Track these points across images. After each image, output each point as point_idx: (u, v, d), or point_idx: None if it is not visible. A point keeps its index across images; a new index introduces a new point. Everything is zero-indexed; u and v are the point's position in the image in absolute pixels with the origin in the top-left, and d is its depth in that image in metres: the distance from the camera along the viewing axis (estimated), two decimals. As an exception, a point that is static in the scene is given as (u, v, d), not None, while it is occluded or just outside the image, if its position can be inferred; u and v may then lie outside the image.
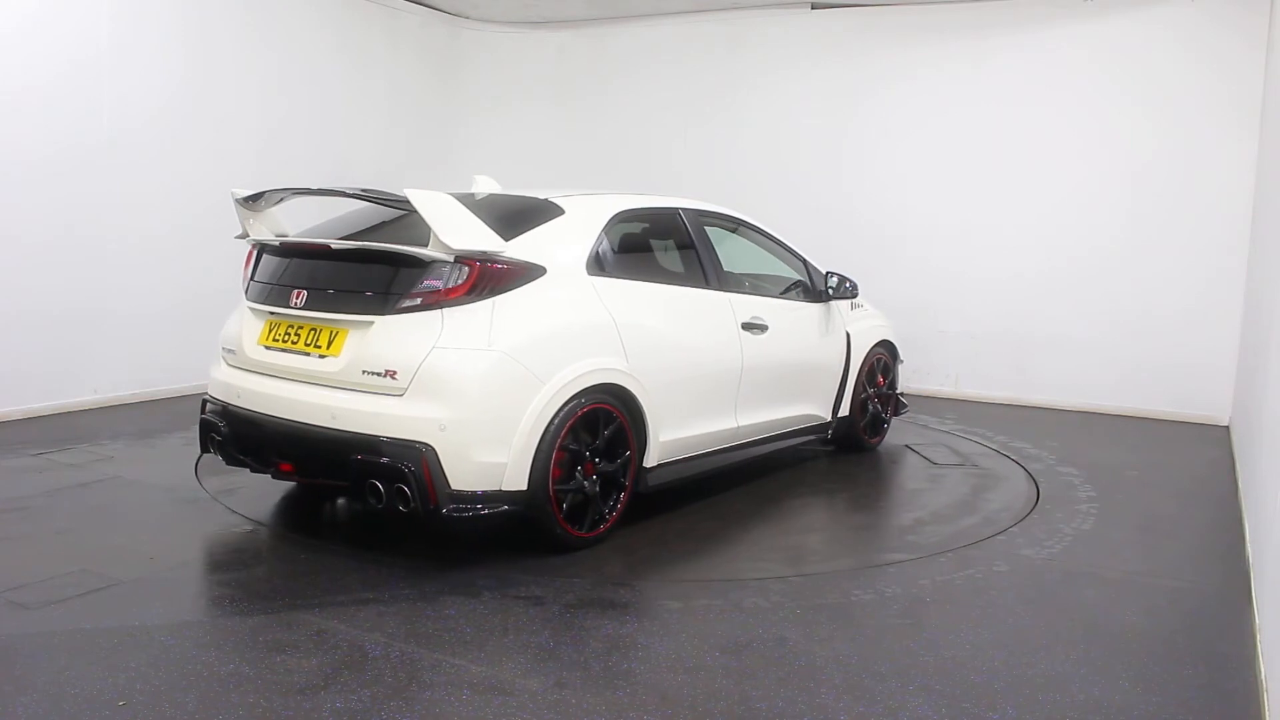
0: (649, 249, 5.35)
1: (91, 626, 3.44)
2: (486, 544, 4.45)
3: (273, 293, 4.45)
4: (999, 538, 4.80)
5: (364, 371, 4.04)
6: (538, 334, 4.18)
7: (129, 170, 7.11)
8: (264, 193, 4.67)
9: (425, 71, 9.84)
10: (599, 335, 4.40)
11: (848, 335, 6.16)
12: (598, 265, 4.58)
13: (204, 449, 4.71)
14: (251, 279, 4.67)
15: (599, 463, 4.39)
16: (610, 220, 4.78)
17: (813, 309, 5.92)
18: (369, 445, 3.97)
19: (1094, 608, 3.95)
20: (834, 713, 3.00)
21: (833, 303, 6.04)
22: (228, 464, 4.64)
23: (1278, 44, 6.73)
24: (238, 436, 4.47)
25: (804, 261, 5.96)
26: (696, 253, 5.24)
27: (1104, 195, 8.16)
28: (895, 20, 8.78)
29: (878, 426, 6.59)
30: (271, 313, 4.43)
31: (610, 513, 4.50)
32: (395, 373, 3.97)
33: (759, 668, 3.29)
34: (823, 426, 6.07)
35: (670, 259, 5.36)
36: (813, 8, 9.08)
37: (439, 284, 4.05)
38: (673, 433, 4.80)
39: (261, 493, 5.13)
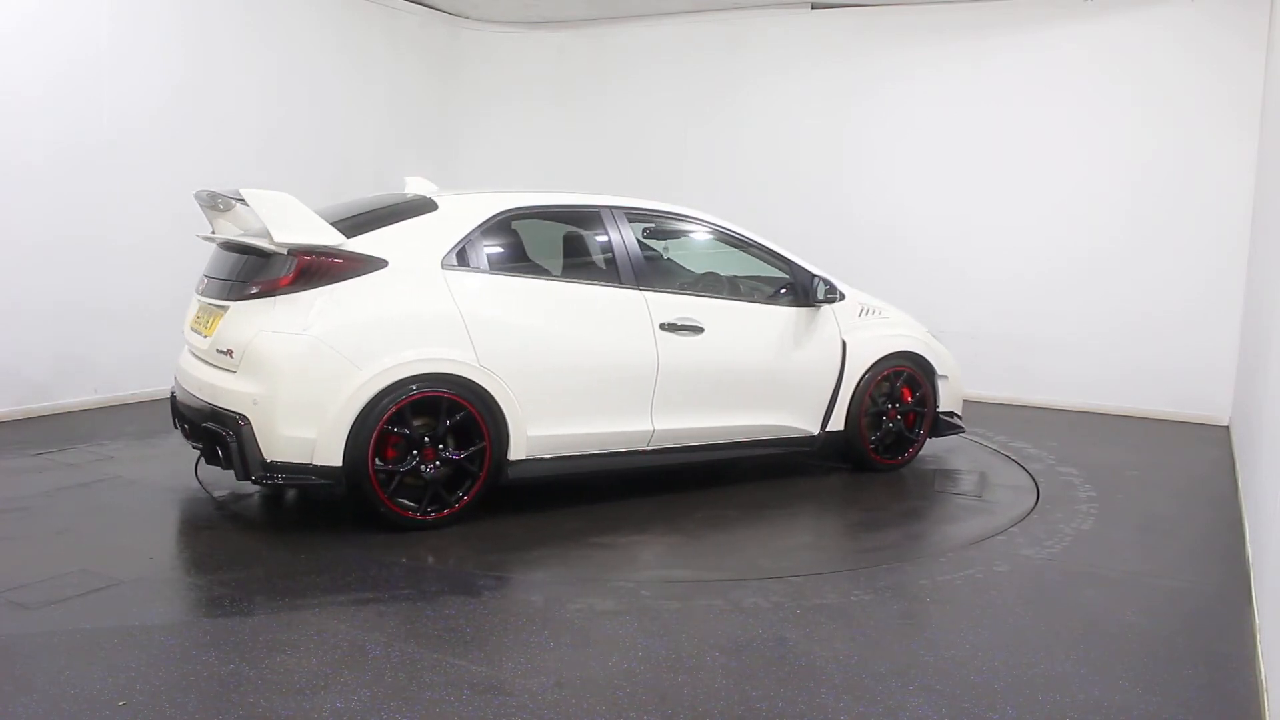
0: (544, 246, 5.36)
1: (91, 626, 3.44)
2: (485, 545, 4.46)
3: (198, 281, 5.03)
4: (999, 538, 4.80)
5: (217, 350, 4.54)
6: (357, 322, 4.42)
7: (129, 170, 7.11)
8: (201, 193, 5.04)
9: (425, 72, 9.84)
10: (440, 327, 4.55)
11: (844, 344, 5.74)
12: (461, 260, 4.73)
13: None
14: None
15: (442, 449, 4.53)
16: (491, 217, 4.88)
17: (785, 313, 5.58)
18: (210, 414, 4.51)
19: (1094, 608, 3.95)
20: (834, 713, 3.00)
21: (824, 308, 5.67)
22: (175, 427, 5.09)
23: (1278, 44, 6.73)
24: (173, 407, 5.03)
25: (789, 264, 5.64)
26: (613, 251, 5.17)
27: (1104, 195, 8.15)
28: (895, 20, 8.78)
29: (900, 446, 6.01)
30: (196, 299, 4.97)
31: (457, 500, 4.61)
32: (232, 351, 4.44)
33: (759, 668, 3.29)
34: (804, 440, 5.67)
35: (575, 257, 5.40)
36: (813, 8, 9.08)
37: (274, 275, 4.44)
38: (549, 429, 4.82)
39: (262, 493, 5.14)
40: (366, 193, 5.68)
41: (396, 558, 4.22)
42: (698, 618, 3.70)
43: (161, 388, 7.33)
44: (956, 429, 6.27)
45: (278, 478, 4.35)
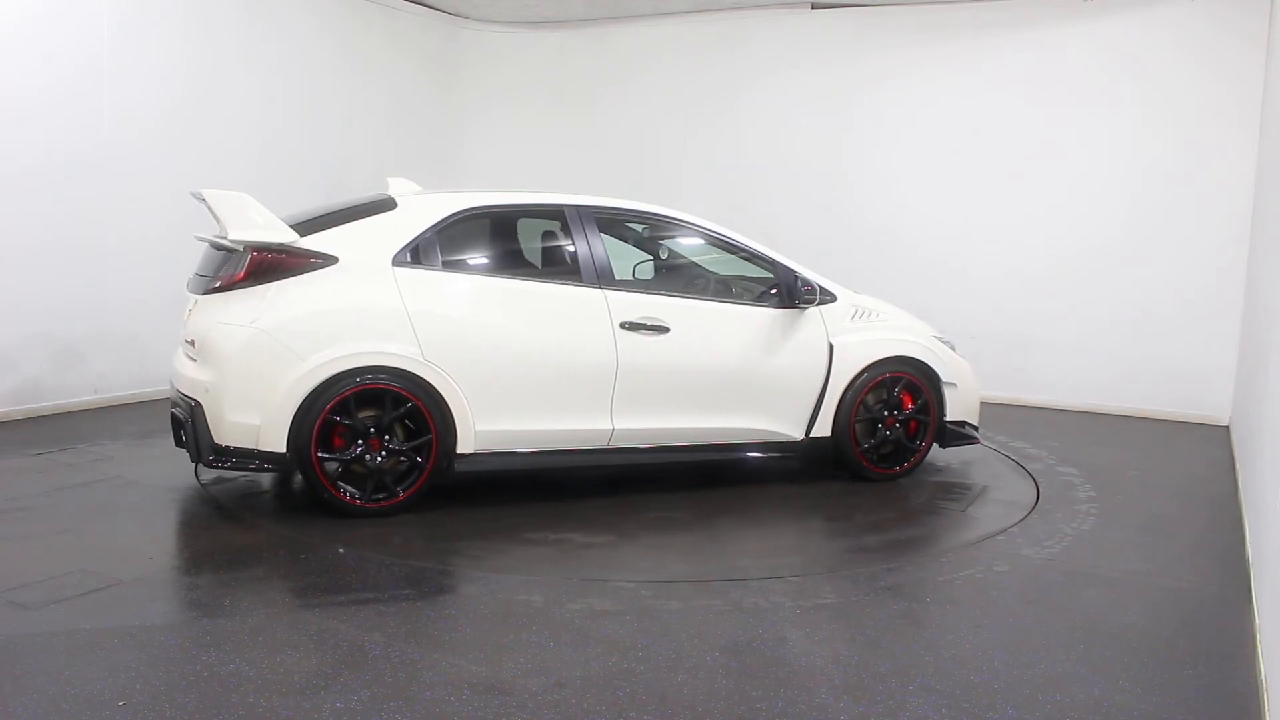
0: (503, 245, 5.45)
1: (91, 626, 3.44)
2: (484, 544, 4.46)
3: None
4: (999, 538, 4.80)
5: (187, 341, 4.83)
6: (302, 315, 4.60)
7: (130, 171, 7.11)
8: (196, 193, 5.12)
9: (425, 72, 9.84)
10: (385, 322, 4.69)
11: (831, 347, 5.53)
12: (414, 258, 4.86)
13: None
14: None
15: (388, 440, 4.67)
16: (447, 217, 4.99)
17: (763, 314, 5.42)
18: (177, 401, 4.86)
19: (1094, 608, 3.96)
20: (834, 713, 3.00)
21: (811, 310, 5.48)
22: None
23: (1278, 45, 6.73)
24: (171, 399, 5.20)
25: (774, 264, 5.48)
26: (575, 250, 5.17)
27: (1104, 195, 8.16)
28: (895, 20, 8.78)
29: (900, 455, 5.74)
30: (188, 294, 5.10)
31: (404, 489, 4.74)
32: (195, 342, 4.72)
33: (759, 668, 3.29)
34: (786, 445, 5.50)
35: (535, 255, 5.45)
36: (813, 8, 9.09)
37: (232, 270, 4.68)
38: (499, 424, 4.88)
39: (261, 493, 5.14)
40: (366, 193, 5.70)
41: (396, 557, 4.22)
42: (698, 618, 3.70)
43: (160, 388, 7.35)
44: (969, 439, 5.93)
45: (227, 462, 4.59)
